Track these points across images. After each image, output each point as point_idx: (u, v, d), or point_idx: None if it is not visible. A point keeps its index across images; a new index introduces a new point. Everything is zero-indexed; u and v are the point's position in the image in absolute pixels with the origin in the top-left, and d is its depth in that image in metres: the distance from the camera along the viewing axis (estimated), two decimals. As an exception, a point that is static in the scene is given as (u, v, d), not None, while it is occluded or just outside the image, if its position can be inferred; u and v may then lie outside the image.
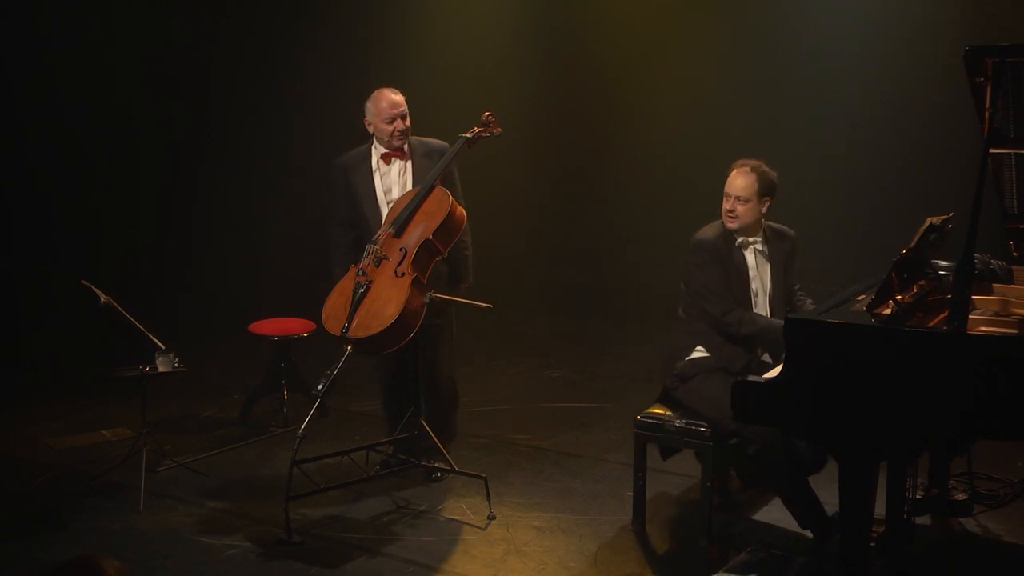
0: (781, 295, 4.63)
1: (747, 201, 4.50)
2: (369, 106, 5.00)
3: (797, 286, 4.78)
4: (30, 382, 6.70)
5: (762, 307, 4.59)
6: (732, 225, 4.54)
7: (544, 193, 9.06)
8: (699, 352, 4.55)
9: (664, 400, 4.64)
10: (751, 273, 4.58)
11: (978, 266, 4.20)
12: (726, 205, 4.53)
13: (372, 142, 5.07)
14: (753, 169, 4.52)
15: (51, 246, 7.28)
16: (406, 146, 5.04)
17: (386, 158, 5.03)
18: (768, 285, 4.61)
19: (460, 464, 5.09)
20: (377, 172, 5.05)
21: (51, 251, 7.25)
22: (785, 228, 4.71)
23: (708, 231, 4.61)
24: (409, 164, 5.04)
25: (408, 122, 4.99)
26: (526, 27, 8.92)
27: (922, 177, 7.39)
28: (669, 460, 4.80)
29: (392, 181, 5.03)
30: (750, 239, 4.58)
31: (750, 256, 4.59)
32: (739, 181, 4.51)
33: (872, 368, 3.47)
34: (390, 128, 4.95)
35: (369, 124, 5.02)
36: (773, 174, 4.56)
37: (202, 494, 5.01)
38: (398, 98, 4.99)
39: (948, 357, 3.41)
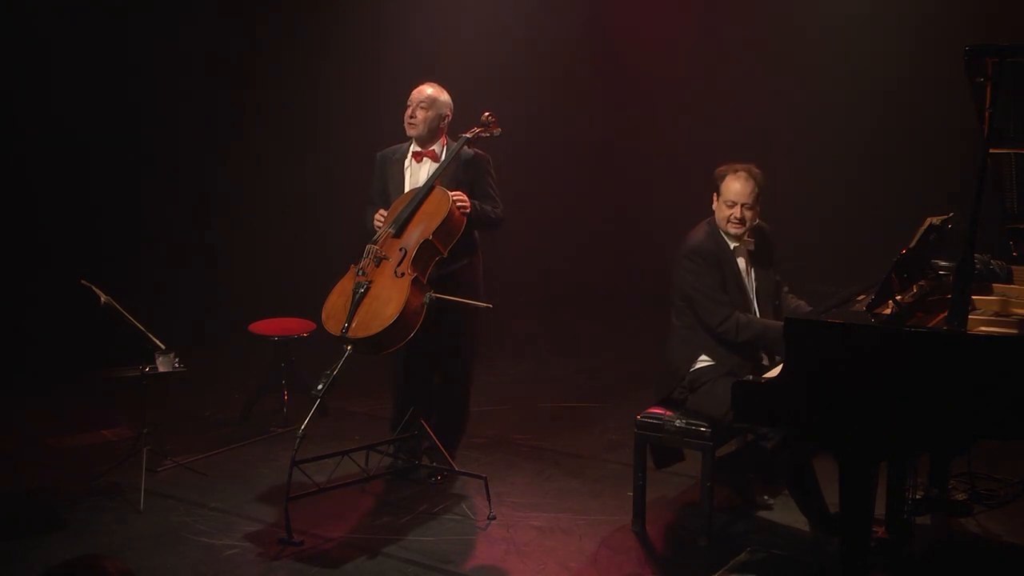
0: (769, 292, 4.65)
1: (752, 208, 4.52)
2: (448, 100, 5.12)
3: (785, 288, 4.78)
4: (30, 382, 6.70)
5: (753, 308, 4.59)
6: (737, 232, 4.53)
7: (544, 195, 9.07)
8: (704, 361, 4.52)
9: (665, 404, 4.61)
10: (743, 276, 4.58)
11: (978, 266, 4.20)
12: (732, 213, 4.50)
13: (411, 140, 5.12)
14: (751, 174, 4.53)
15: (51, 246, 7.28)
16: (437, 147, 5.06)
17: (417, 156, 5.08)
18: (755, 284, 4.63)
19: (460, 464, 5.10)
20: (408, 169, 5.10)
21: (51, 251, 7.25)
22: (760, 221, 4.69)
23: (699, 235, 4.58)
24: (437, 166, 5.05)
25: (411, 112, 5.03)
26: (527, 26, 8.92)
27: (922, 177, 7.40)
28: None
29: (419, 180, 5.04)
30: (744, 242, 4.59)
31: (741, 259, 4.59)
32: (745, 188, 4.49)
33: (872, 368, 3.47)
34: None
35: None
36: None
37: (202, 494, 5.01)
38: (418, 87, 5.09)
39: (948, 357, 3.41)
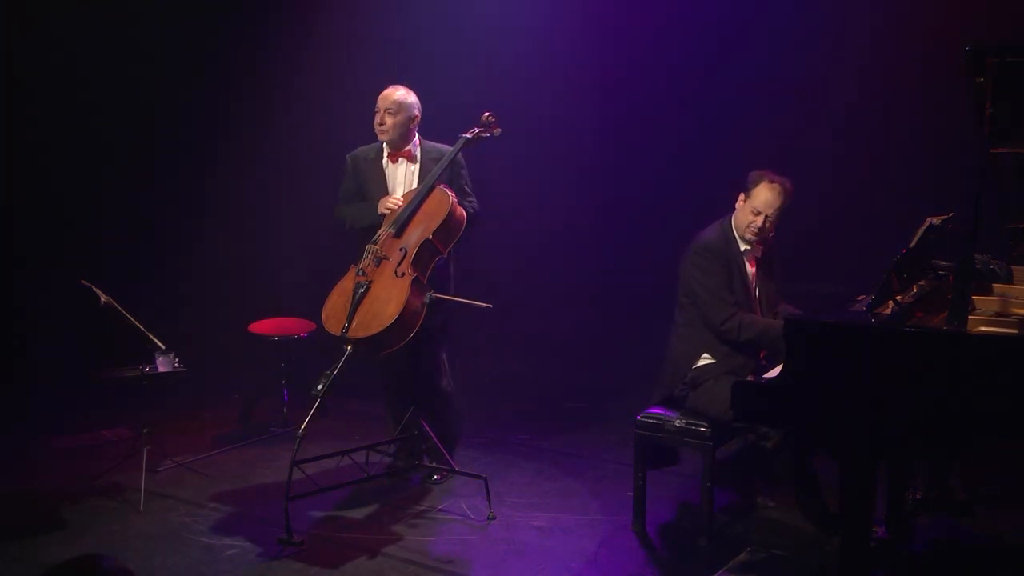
0: (770, 300, 4.68)
1: (774, 221, 4.54)
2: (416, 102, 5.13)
3: (780, 301, 4.79)
4: (30, 382, 6.70)
5: (756, 310, 4.60)
6: (754, 239, 4.55)
7: (544, 193, 9.06)
8: (706, 359, 4.55)
9: (666, 403, 4.63)
10: (750, 278, 4.60)
11: (978, 266, 4.20)
12: (755, 221, 4.51)
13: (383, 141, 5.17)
14: (784, 189, 4.53)
15: (51, 246, 7.28)
16: (411, 148, 5.07)
17: (393, 157, 5.12)
18: (758, 290, 4.64)
19: (460, 464, 5.10)
20: (387, 169, 5.15)
21: (51, 251, 7.25)
22: None
23: (712, 234, 4.60)
24: (416, 167, 5.10)
25: (380, 119, 5.06)
26: (528, 26, 8.92)
27: (922, 177, 7.39)
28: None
29: (397, 181, 5.10)
30: (754, 247, 4.59)
31: (749, 263, 4.60)
32: (776, 201, 4.51)
33: (872, 368, 3.47)
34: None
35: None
36: None
37: (202, 494, 5.01)
38: (383, 92, 5.09)
39: (948, 357, 3.41)
